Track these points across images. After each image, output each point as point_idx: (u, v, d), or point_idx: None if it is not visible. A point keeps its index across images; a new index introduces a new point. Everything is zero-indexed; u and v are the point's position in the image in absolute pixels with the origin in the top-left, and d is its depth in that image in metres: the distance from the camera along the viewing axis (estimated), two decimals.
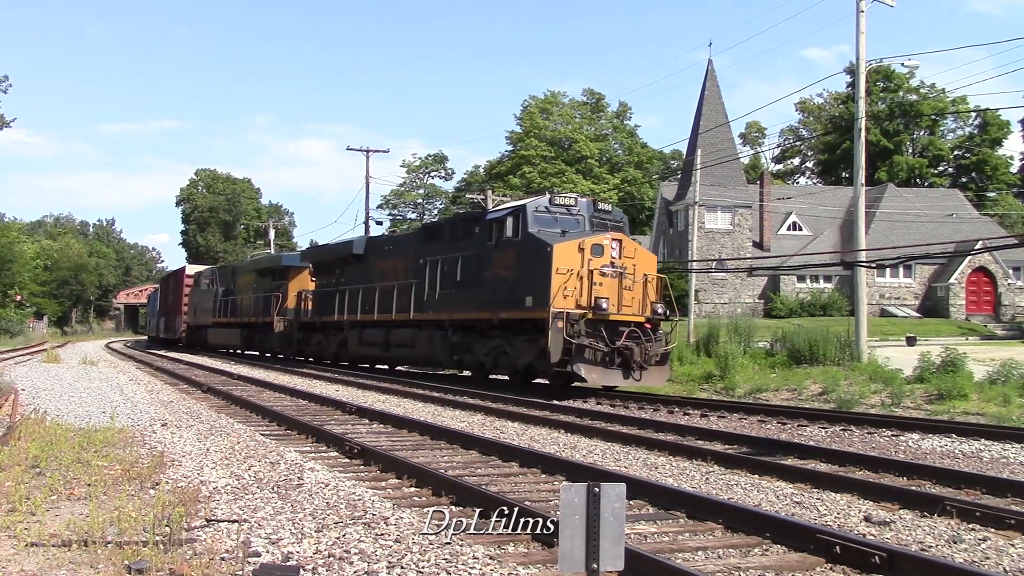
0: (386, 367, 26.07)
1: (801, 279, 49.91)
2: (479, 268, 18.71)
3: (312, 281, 29.07)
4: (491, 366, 19.15)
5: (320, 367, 26.79)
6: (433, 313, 20.46)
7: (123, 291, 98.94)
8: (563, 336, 15.94)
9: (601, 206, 18.61)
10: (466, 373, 21.39)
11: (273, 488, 6.92)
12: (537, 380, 18.90)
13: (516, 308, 17.34)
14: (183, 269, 47.82)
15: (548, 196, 18.51)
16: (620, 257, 16.97)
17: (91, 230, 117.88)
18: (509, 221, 17.74)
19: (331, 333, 26.83)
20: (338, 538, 5.29)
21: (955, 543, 5.68)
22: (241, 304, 35.09)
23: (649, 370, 16.75)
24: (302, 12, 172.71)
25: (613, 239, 17.10)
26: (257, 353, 33.92)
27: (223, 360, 32.01)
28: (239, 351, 36.67)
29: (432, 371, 24.44)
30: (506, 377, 19.38)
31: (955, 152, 71.70)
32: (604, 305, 16.30)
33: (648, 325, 17.13)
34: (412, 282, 21.40)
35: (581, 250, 16.58)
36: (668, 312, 17.77)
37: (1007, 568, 5.19)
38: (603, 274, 16.55)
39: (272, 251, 61.64)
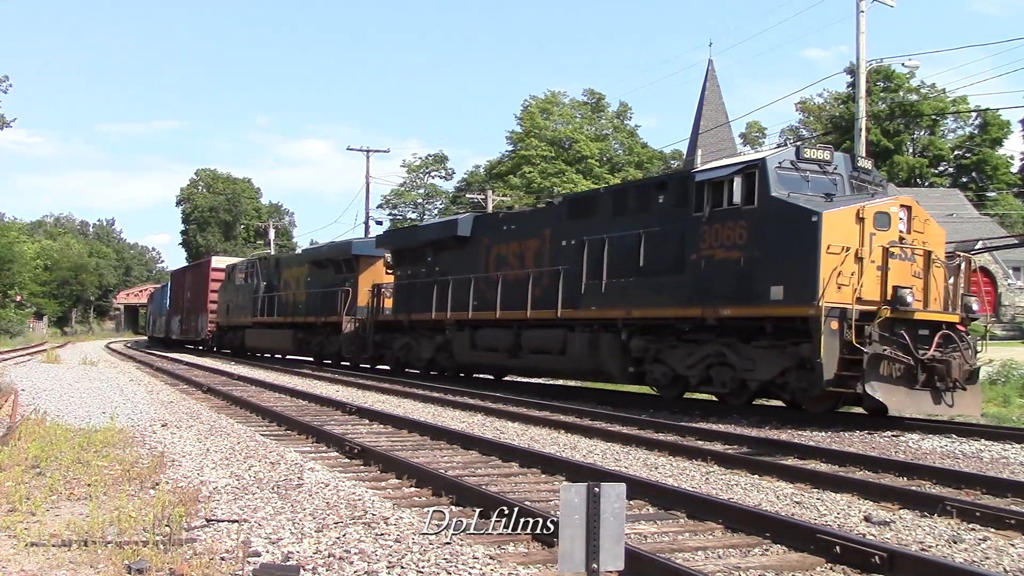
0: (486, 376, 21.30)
1: None
2: (678, 248, 14.04)
3: (388, 272, 24.29)
4: (697, 381, 14.20)
5: (324, 369, 26.62)
6: (597, 310, 15.64)
7: (123, 291, 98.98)
8: (840, 342, 11.65)
9: (861, 163, 14.01)
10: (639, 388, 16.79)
11: (273, 488, 6.93)
12: (759, 401, 14.41)
13: (751, 302, 12.77)
14: (208, 261, 42.01)
15: (792, 147, 13.89)
16: (909, 231, 12.51)
17: (91, 230, 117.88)
18: (737, 182, 13.01)
19: (424, 335, 21.88)
20: (338, 538, 5.29)
21: (955, 543, 5.68)
22: (293, 301, 30.23)
23: (966, 392, 12.19)
24: (302, 12, 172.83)
25: (901, 205, 12.63)
26: (312, 359, 28.96)
27: (223, 361, 32.00)
28: (287, 356, 32.00)
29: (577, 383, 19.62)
30: (710, 397, 14.90)
31: (955, 152, 71.70)
32: (908, 298, 11.80)
33: (962, 328, 12.74)
34: (558, 269, 16.60)
35: (860, 220, 12.04)
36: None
37: (1007, 568, 5.20)
38: (891, 255, 12.13)
39: (272, 251, 61.29)
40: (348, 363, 26.34)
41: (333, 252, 28.56)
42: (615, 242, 15.33)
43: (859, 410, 13.19)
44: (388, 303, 23.88)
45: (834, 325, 11.66)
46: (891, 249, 12.09)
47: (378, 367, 25.05)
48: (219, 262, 40.67)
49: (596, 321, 15.80)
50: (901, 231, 12.41)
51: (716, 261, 13.38)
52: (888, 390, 11.63)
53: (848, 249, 11.93)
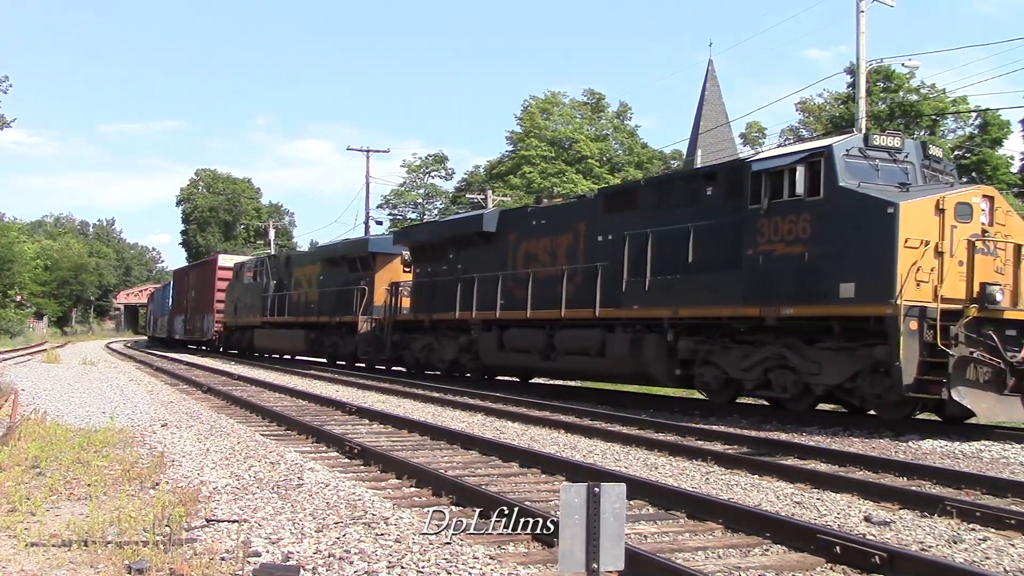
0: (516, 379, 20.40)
1: None
2: (731, 243, 13.13)
3: (405, 270, 23.44)
4: (754, 385, 13.32)
5: (325, 369, 26.58)
6: (640, 309, 14.66)
7: (123, 291, 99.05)
8: (920, 344, 10.86)
9: (932, 151, 13.14)
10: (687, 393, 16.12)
11: (273, 488, 6.93)
12: (823, 407, 13.41)
13: (817, 301, 11.88)
14: (215, 259, 41.21)
15: (859, 134, 13.08)
16: (991, 223, 11.67)
17: (91, 230, 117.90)
18: (800, 172, 12.11)
19: (446, 336, 20.90)
20: (338, 538, 5.29)
21: (955, 543, 5.68)
22: (305, 300, 29.30)
23: None
24: (302, 12, 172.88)
25: (984, 195, 11.86)
26: (325, 360, 28.01)
27: (223, 360, 31.99)
28: (298, 357, 31.02)
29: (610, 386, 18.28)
30: (762, 402, 14.22)
31: (955, 152, 71.67)
32: (998, 296, 11.03)
33: None
34: (596, 266, 15.67)
35: (940, 211, 11.22)
36: None
37: (1007, 568, 5.20)
38: (975, 249, 11.32)
39: (272, 251, 61.13)
40: (363, 364, 25.54)
41: (348, 249, 27.68)
42: (660, 237, 14.33)
43: (921, 415, 12.56)
44: (406, 302, 23.01)
45: (913, 325, 10.85)
46: (975, 243, 11.31)
47: (394, 368, 24.05)
48: (226, 260, 39.78)
49: (639, 321, 14.86)
50: (983, 223, 11.54)
51: (776, 257, 12.47)
52: (976, 396, 10.83)
53: (927, 243, 11.12)
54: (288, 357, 32.04)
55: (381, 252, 25.22)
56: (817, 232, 12.01)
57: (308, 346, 28.50)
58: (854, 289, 11.48)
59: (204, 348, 41.23)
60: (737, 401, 14.40)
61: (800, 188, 12.15)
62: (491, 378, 20.59)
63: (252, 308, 33.57)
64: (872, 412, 12.43)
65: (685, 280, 13.87)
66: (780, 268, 12.41)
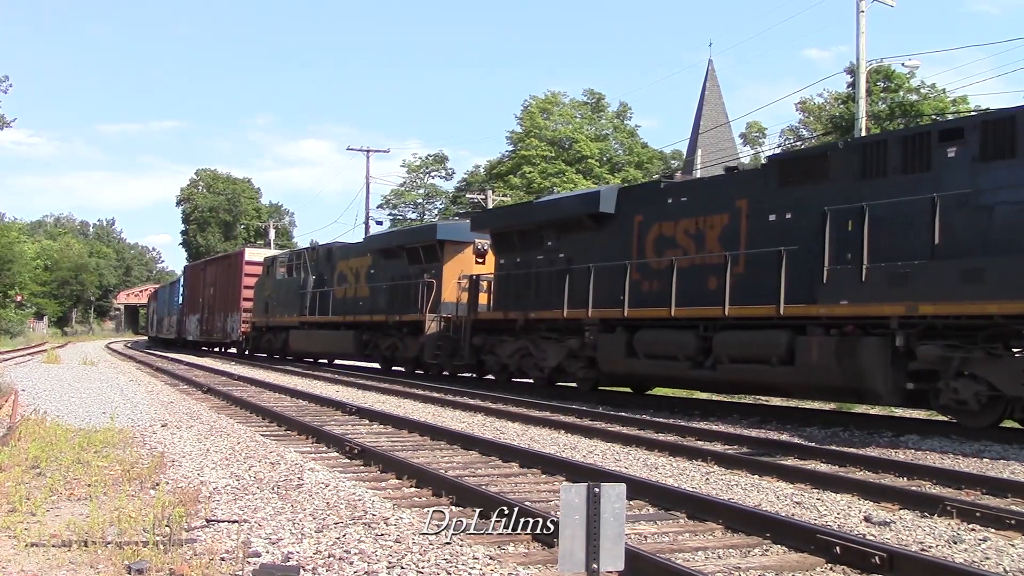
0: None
1: None
2: (999, 217, 10.39)
3: (478, 261, 21.11)
4: None
5: (323, 369, 26.50)
6: (852, 304, 11.48)
7: (123, 291, 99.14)
8: None
9: None
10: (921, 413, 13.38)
11: (273, 488, 6.93)
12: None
13: None
14: (241, 253, 37.55)
15: None
16: None
17: (91, 230, 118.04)
18: None
19: (546, 338, 17.56)
20: (338, 538, 5.29)
21: (955, 543, 5.68)
22: (355, 297, 25.86)
23: None
24: (302, 12, 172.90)
25: None
26: (378, 366, 25.04)
27: (223, 361, 31.97)
28: (340, 361, 28.39)
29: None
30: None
31: None
32: None
33: None
34: (779, 251, 12.47)
35: None
36: None
37: (1007, 568, 5.19)
38: None
39: (272, 250, 60.84)
40: (422, 371, 22.58)
41: (409, 238, 23.99)
42: (879, 213, 11.41)
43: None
44: (482, 298, 20.14)
45: None
46: None
47: (460, 375, 21.52)
48: (254, 254, 36.65)
49: (848, 320, 11.73)
50: None
51: None
52: None
53: None
54: (324, 361, 29.70)
55: (451, 240, 21.83)
56: None
57: (359, 349, 25.05)
58: None
59: (220, 350, 38.84)
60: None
61: None
62: (602, 390, 17.22)
63: (287, 306, 30.40)
64: None
65: (928, 268, 10.78)
66: None
